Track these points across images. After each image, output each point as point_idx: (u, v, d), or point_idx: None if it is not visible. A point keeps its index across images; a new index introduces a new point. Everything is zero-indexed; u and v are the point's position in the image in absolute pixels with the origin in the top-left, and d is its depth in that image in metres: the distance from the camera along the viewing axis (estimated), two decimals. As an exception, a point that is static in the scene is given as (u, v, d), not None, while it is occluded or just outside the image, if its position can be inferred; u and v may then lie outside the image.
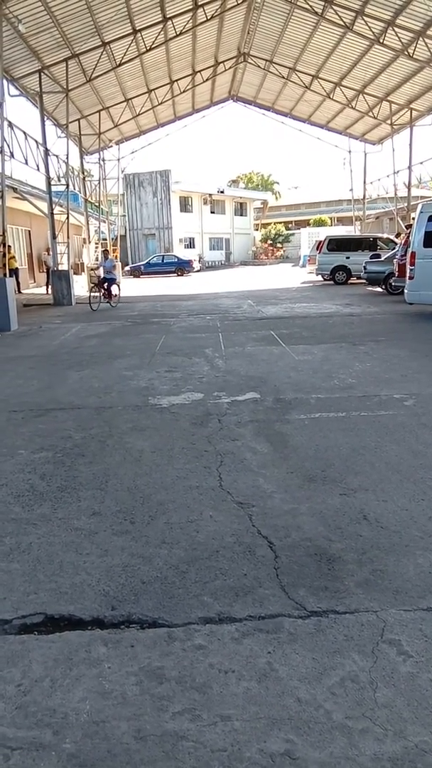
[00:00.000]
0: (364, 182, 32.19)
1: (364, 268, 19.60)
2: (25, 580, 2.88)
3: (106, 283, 17.59)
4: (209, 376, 7.34)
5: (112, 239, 31.47)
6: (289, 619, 2.51)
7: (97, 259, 24.88)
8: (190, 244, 45.67)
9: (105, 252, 19.85)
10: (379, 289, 19.20)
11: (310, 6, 19.27)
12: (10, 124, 16.75)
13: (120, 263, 32.27)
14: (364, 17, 18.87)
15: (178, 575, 2.87)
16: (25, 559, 3.08)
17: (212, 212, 48.02)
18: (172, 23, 19.78)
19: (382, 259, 19.39)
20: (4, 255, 14.13)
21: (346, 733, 1.93)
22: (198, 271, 38.89)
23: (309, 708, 2.04)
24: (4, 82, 14.57)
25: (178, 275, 36.12)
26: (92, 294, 16.95)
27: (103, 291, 17.30)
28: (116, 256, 31.35)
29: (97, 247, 28.48)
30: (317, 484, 3.91)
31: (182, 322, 13.07)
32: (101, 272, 18.00)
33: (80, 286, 23.40)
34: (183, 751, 1.88)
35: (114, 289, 18.16)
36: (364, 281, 20.68)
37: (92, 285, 18.10)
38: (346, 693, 2.10)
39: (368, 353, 8.41)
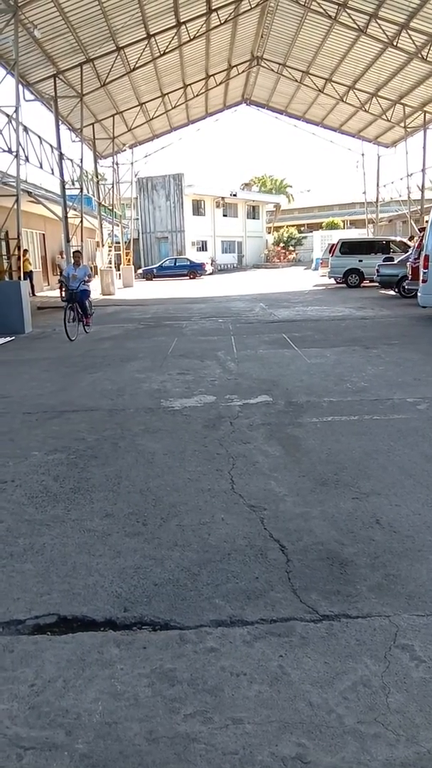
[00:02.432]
0: (377, 185, 32.09)
1: (377, 271, 19.51)
2: (38, 580, 2.90)
3: (78, 300, 12.05)
4: (221, 379, 7.35)
5: (125, 242, 31.62)
6: (301, 623, 2.51)
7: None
8: (203, 247, 45.71)
9: (76, 255, 12.93)
10: (392, 293, 19.11)
11: (324, 10, 19.29)
12: (26, 129, 16.93)
13: (133, 266, 32.37)
14: (378, 20, 18.86)
15: (190, 578, 2.88)
16: (39, 559, 3.10)
17: (225, 215, 48.03)
18: (186, 28, 19.89)
19: (395, 262, 19.30)
20: (19, 258, 14.25)
21: (358, 737, 1.93)
22: (210, 274, 38.93)
23: (321, 712, 2.04)
24: (20, 86, 14.70)
25: (191, 278, 36.16)
26: (67, 319, 11.57)
27: (77, 311, 12.04)
28: (129, 260, 31.37)
29: (110, 250, 28.53)
30: (329, 487, 3.90)
31: (194, 325, 13.10)
32: (74, 283, 11.99)
33: (93, 289, 23.49)
34: (194, 754, 1.89)
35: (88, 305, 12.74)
36: (377, 284, 20.60)
37: (66, 302, 12.20)
38: (358, 697, 2.09)
39: (381, 356, 8.37)
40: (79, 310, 12.13)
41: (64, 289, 13.02)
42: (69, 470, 4.38)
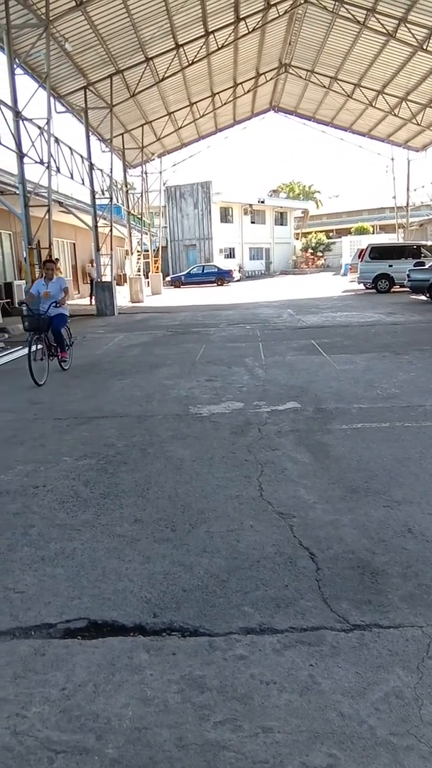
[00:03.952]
0: (408, 189, 31.78)
1: (408, 276, 19.28)
2: (69, 585, 2.93)
3: (51, 330, 8.45)
4: (249, 385, 7.34)
5: (154, 250, 31.90)
6: (331, 632, 2.48)
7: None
8: (231, 254, 45.87)
9: (47, 264, 9.02)
10: (423, 298, 18.85)
11: (352, 15, 19.22)
12: (57, 140, 17.24)
13: (161, 274, 32.56)
14: (407, 24, 18.70)
15: (219, 584, 2.87)
16: (70, 564, 3.13)
17: (252, 222, 48.14)
18: (214, 37, 20.06)
19: (426, 267, 19.04)
20: (50, 267, 14.45)
21: (390, 749, 1.89)
22: (238, 280, 39.01)
23: (352, 723, 2.01)
24: (51, 99, 15.00)
25: (219, 285, 36.30)
26: (34, 353, 8.10)
27: (48, 344, 8.47)
28: (157, 268, 31.58)
29: (139, 258, 28.79)
30: (360, 495, 3.85)
31: (222, 331, 13.11)
32: (44, 303, 8.29)
33: (122, 297, 23.76)
34: (224, 762, 1.88)
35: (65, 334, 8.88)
36: (407, 290, 20.35)
37: (30, 332, 8.27)
38: (391, 709, 2.06)
39: (412, 363, 8.26)
40: (52, 342, 8.53)
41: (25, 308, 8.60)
42: (99, 476, 4.42)
